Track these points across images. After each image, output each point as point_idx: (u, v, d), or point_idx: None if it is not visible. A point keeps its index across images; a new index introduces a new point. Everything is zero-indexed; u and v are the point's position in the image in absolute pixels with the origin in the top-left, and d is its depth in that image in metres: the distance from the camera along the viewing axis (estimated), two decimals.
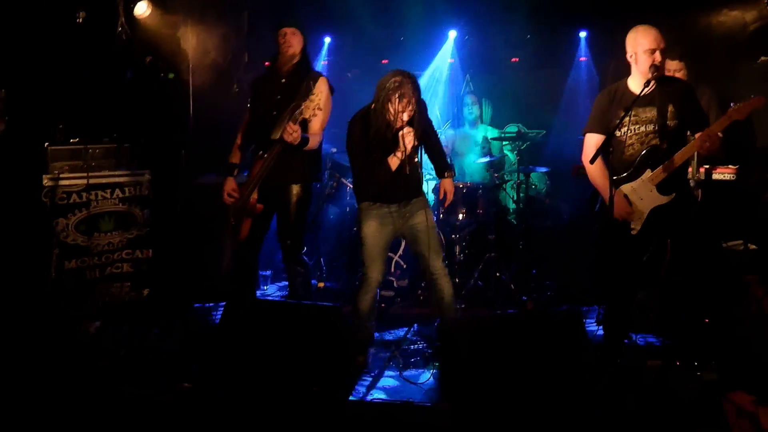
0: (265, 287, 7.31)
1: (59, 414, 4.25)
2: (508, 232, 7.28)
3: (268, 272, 7.38)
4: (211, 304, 6.18)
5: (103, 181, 6.39)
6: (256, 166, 5.28)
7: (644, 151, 4.64)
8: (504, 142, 7.69)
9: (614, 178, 4.60)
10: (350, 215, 7.20)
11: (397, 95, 4.65)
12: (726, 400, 4.06)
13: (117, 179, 6.43)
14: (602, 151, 4.52)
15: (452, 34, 8.90)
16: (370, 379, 4.88)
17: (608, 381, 4.44)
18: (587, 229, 6.03)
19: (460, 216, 6.97)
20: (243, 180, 5.47)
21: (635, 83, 4.71)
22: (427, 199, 5.17)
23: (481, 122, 8.17)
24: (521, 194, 7.33)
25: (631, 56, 4.70)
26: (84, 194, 6.29)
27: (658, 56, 4.58)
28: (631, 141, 4.68)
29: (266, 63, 5.89)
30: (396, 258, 6.67)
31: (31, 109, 6.44)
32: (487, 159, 7.48)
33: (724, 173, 5.67)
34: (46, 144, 6.29)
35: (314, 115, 5.08)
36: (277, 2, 7.59)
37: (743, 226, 5.49)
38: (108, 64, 6.91)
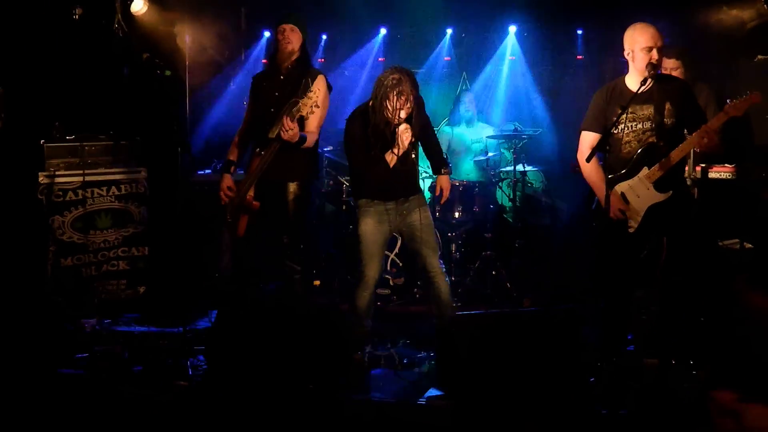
0: (263, 285, 7.29)
1: (59, 414, 4.23)
2: (504, 231, 7.28)
3: (266, 270, 7.36)
4: (210, 303, 6.17)
5: (100, 178, 6.39)
6: (254, 163, 5.28)
7: (641, 149, 4.64)
8: (500, 140, 7.68)
9: (611, 176, 4.61)
10: (347, 213, 7.19)
11: (395, 92, 4.66)
12: (710, 398, 4.05)
13: (113, 176, 6.43)
14: (598, 150, 4.52)
15: (449, 31, 8.90)
16: (368, 377, 4.86)
17: (607, 380, 4.44)
18: (584, 228, 6.02)
19: (457, 214, 6.97)
20: (240, 177, 5.47)
21: (632, 81, 4.70)
22: (424, 197, 5.17)
23: (478, 120, 8.16)
24: (518, 192, 7.32)
25: (628, 54, 4.70)
26: (80, 191, 6.29)
27: (655, 54, 4.58)
28: (628, 138, 4.68)
29: (264, 60, 5.90)
30: (392, 256, 6.66)
31: (27, 105, 6.43)
32: (483, 157, 7.47)
33: (720, 172, 5.67)
34: (42, 141, 6.27)
35: (311, 112, 5.07)
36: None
37: (740, 224, 5.49)
38: (105, 61, 6.91)
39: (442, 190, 5.24)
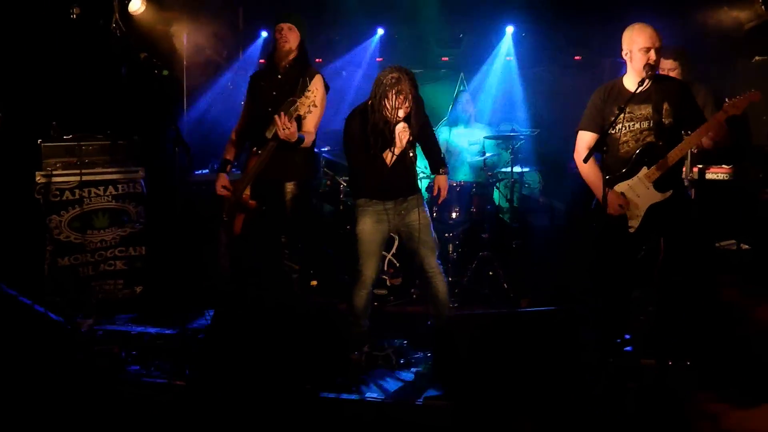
0: (259, 285, 7.28)
1: (59, 414, 4.22)
2: (501, 231, 7.28)
3: (262, 269, 7.35)
4: (208, 303, 6.16)
5: (97, 178, 6.37)
6: (251, 163, 5.28)
7: (640, 149, 4.64)
8: (498, 141, 7.68)
9: (608, 177, 4.60)
10: (344, 213, 7.19)
11: (394, 91, 4.66)
12: (689, 400, 4.06)
13: (111, 176, 6.42)
14: (595, 150, 4.52)
15: (446, 32, 8.90)
16: (365, 377, 4.86)
17: (605, 380, 4.44)
18: (582, 228, 6.03)
19: (454, 214, 6.96)
20: (237, 177, 5.46)
21: (630, 81, 4.71)
22: (422, 197, 5.16)
23: (475, 121, 8.17)
24: (515, 193, 7.33)
25: (626, 54, 4.70)
26: (77, 191, 6.28)
27: (653, 55, 4.58)
28: (625, 138, 4.68)
29: (261, 60, 5.90)
30: (389, 256, 6.66)
31: (24, 105, 6.42)
32: (480, 157, 7.47)
33: (717, 173, 5.68)
34: (40, 140, 6.26)
35: (309, 112, 5.07)
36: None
37: (738, 225, 5.50)
38: (102, 61, 6.90)
39: (439, 190, 5.24)
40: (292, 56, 5.40)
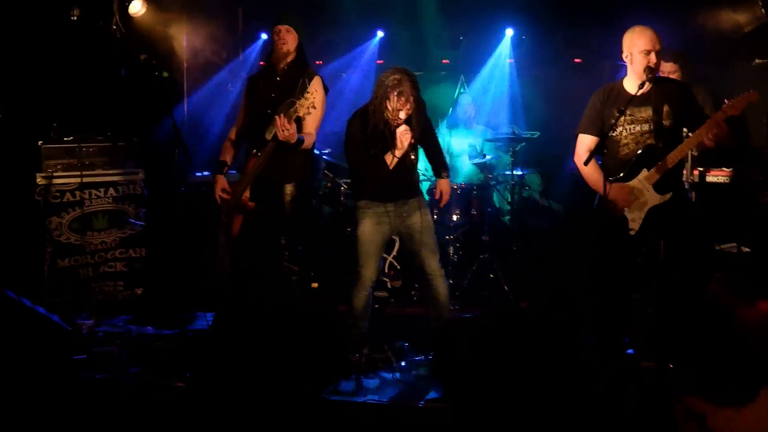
0: (259, 286, 7.28)
1: (59, 415, 4.22)
2: (502, 233, 7.28)
3: (262, 271, 7.35)
4: (208, 304, 6.16)
5: (97, 179, 6.38)
6: (250, 164, 5.27)
7: (640, 151, 4.64)
8: (498, 143, 7.68)
9: (609, 179, 4.60)
10: (344, 215, 7.19)
11: (395, 92, 4.66)
12: (676, 401, 4.06)
13: (111, 178, 6.42)
14: (596, 153, 4.52)
15: (447, 34, 8.91)
16: (365, 379, 4.86)
17: (606, 381, 4.44)
18: (582, 230, 6.03)
19: (454, 217, 6.97)
20: (233, 178, 5.47)
21: (630, 84, 4.71)
22: (424, 199, 5.16)
23: (476, 123, 8.16)
24: (515, 195, 7.33)
25: (626, 57, 4.70)
26: (77, 193, 6.28)
27: (653, 57, 4.58)
28: (626, 141, 4.69)
29: (261, 63, 5.90)
30: (390, 259, 6.66)
31: (24, 106, 6.42)
32: (481, 160, 7.47)
33: (718, 176, 5.68)
34: (40, 142, 6.26)
35: (308, 113, 5.07)
36: (272, 1, 7.58)
37: (738, 228, 5.50)
38: (102, 62, 6.90)
39: (441, 193, 5.24)
40: (290, 58, 5.40)
